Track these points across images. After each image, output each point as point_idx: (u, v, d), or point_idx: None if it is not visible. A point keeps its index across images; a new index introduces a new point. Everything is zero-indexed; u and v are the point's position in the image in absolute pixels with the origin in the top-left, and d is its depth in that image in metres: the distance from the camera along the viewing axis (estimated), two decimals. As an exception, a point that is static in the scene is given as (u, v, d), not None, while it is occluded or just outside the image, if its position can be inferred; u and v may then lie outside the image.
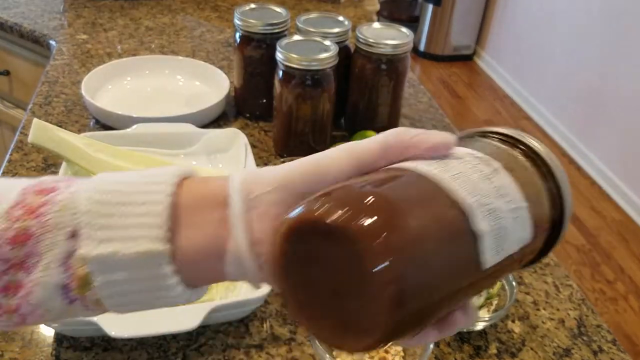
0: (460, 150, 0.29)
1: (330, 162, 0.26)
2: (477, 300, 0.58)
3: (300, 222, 0.23)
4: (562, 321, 0.61)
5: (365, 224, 0.22)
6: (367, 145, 0.27)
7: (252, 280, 0.27)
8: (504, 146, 0.31)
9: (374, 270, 0.22)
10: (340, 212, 0.22)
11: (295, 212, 0.24)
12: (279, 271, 0.25)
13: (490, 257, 0.26)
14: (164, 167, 0.28)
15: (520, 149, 0.31)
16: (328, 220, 0.22)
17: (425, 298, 0.23)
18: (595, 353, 0.58)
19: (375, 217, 0.22)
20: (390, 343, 0.24)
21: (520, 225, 0.27)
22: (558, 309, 0.62)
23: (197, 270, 0.26)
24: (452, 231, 0.25)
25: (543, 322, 0.61)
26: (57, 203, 0.26)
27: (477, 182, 0.27)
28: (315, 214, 0.23)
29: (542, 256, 0.32)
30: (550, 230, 0.31)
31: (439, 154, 0.28)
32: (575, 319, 0.61)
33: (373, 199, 0.23)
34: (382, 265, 0.22)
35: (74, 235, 0.25)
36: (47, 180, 0.28)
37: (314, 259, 0.24)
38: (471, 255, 0.25)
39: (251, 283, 0.28)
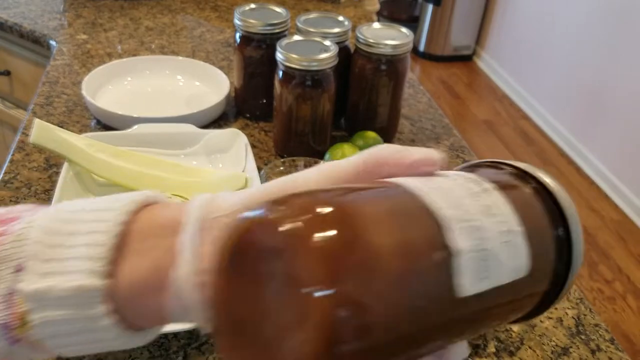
0: (448, 172, 0.26)
1: (302, 183, 0.24)
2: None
3: (241, 230, 0.20)
4: (560, 320, 0.61)
5: (308, 236, 0.18)
6: (344, 164, 0.25)
7: (196, 318, 0.22)
8: (508, 175, 0.27)
9: (307, 295, 0.17)
10: (284, 221, 0.18)
11: (241, 217, 0.20)
12: (216, 284, 0.20)
13: (469, 283, 0.21)
14: (129, 193, 0.25)
15: (530, 183, 0.27)
16: (270, 228, 0.19)
17: (376, 335, 0.18)
18: (593, 352, 0.58)
19: (324, 230, 0.18)
20: None
21: (513, 253, 0.23)
22: (556, 308, 0.63)
23: (138, 308, 0.23)
24: (424, 249, 0.20)
25: (541, 321, 0.61)
26: (12, 233, 0.24)
27: (461, 198, 0.22)
28: (257, 220, 0.19)
29: (542, 310, 0.27)
30: (552, 280, 0.25)
31: (422, 172, 0.25)
32: (573, 318, 0.62)
33: (327, 208, 0.19)
34: (319, 291, 0.17)
35: (19, 269, 0.23)
36: (16, 208, 0.26)
37: (256, 274, 0.19)
38: (445, 278, 0.20)
39: (195, 322, 0.23)
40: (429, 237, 0.21)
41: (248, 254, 0.20)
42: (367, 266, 0.18)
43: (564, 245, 0.25)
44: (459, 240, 0.21)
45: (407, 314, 0.19)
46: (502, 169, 0.28)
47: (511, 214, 0.23)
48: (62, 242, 0.23)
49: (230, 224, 0.21)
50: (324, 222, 0.19)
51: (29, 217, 0.24)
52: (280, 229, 0.18)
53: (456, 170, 0.28)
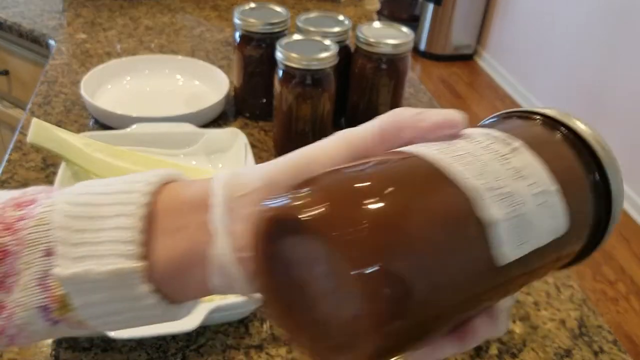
0: (473, 131, 0.25)
1: (321, 153, 0.24)
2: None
3: (273, 219, 0.20)
4: (563, 322, 0.61)
5: (342, 223, 0.19)
6: (361, 131, 0.24)
7: (241, 291, 0.23)
8: (538, 127, 0.26)
9: (354, 277, 0.18)
10: (315, 208, 0.19)
11: (272, 206, 0.21)
12: (259, 272, 0.22)
13: (508, 250, 0.21)
14: (144, 172, 0.25)
15: (562, 131, 0.25)
16: (302, 218, 0.19)
17: (423, 309, 0.19)
18: (596, 354, 0.57)
19: (355, 214, 0.19)
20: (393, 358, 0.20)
21: (550, 213, 0.22)
22: (559, 310, 0.62)
23: (179, 285, 0.24)
24: (456, 224, 0.20)
25: (544, 323, 0.60)
26: (33, 217, 0.24)
27: (488, 163, 0.22)
28: (289, 210, 0.20)
29: (585, 256, 0.27)
30: (594, 228, 0.25)
31: (443, 134, 0.24)
32: (576, 319, 0.61)
33: (354, 191, 0.20)
34: (364, 271, 0.18)
35: (49, 253, 0.23)
36: (29, 191, 0.25)
37: (298, 260, 0.20)
38: (483, 250, 0.21)
39: (242, 294, 0.24)
40: (460, 210, 0.21)
41: (284, 244, 0.20)
42: (405, 244, 0.19)
43: (602, 191, 0.25)
44: (492, 210, 0.21)
45: (452, 286, 0.20)
46: (532, 119, 0.26)
47: (544, 173, 0.23)
48: (89, 227, 0.23)
49: (257, 210, 0.21)
50: (352, 205, 0.19)
51: (46, 200, 0.24)
52: (310, 218, 0.19)
53: (486, 122, 0.27)
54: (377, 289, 0.18)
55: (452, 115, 0.24)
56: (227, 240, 0.22)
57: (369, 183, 0.20)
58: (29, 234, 0.23)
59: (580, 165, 0.25)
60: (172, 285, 0.23)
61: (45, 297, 0.23)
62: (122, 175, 0.25)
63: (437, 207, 0.21)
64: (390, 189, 0.20)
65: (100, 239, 0.23)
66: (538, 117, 0.26)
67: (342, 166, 0.22)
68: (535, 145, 0.24)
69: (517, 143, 0.23)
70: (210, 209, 0.23)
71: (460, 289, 0.20)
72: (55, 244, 0.23)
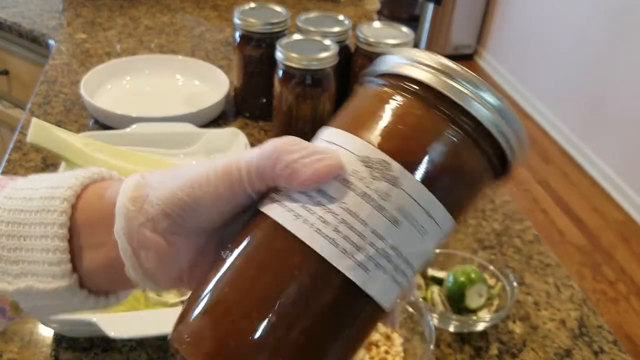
0: (347, 163, 0.23)
1: (206, 195, 0.24)
2: (478, 301, 0.58)
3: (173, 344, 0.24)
4: (563, 322, 0.61)
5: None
6: (243, 168, 0.25)
7: (148, 287, 0.27)
8: (406, 108, 0.23)
9: None
10: (183, 340, 0.23)
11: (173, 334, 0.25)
12: None
13: (386, 300, 0.23)
14: (62, 178, 0.27)
15: (407, 90, 0.24)
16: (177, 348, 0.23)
17: None
18: (596, 354, 0.57)
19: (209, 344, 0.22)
20: None
21: (433, 235, 0.23)
22: (559, 310, 0.62)
23: (107, 285, 0.28)
24: (324, 296, 0.22)
25: (544, 323, 0.60)
26: None
27: (363, 219, 0.22)
28: (174, 343, 0.24)
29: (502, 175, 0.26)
30: (495, 169, 0.24)
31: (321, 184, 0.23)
32: (576, 319, 0.61)
33: (206, 319, 0.23)
34: None
35: None
36: None
37: None
38: (371, 306, 0.22)
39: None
40: (338, 298, 0.22)
41: None
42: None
43: (483, 136, 0.23)
44: (371, 288, 0.22)
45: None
46: (395, 97, 0.24)
47: (425, 196, 0.22)
48: (21, 246, 0.26)
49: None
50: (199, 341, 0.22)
51: None
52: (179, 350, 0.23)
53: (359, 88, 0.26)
54: None
55: (331, 165, 0.23)
56: (135, 270, 0.25)
57: (228, 315, 0.22)
58: None
59: (439, 123, 0.23)
60: (102, 285, 0.27)
61: (2, 305, 0.27)
62: (43, 181, 0.27)
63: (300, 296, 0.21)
64: (245, 313, 0.22)
65: (34, 258, 0.26)
66: (399, 92, 0.24)
67: (209, 285, 0.23)
68: (409, 160, 0.22)
69: (394, 168, 0.22)
70: (116, 237, 0.25)
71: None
72: None
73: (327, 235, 0.22)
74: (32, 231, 0.26)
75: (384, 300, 0.22)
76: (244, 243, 0.23)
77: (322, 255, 0.21)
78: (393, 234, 0.22)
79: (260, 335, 0.21)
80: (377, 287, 0.22)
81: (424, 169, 0.22)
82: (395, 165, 0.22)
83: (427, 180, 0.22)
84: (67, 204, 0.26)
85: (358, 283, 0.21)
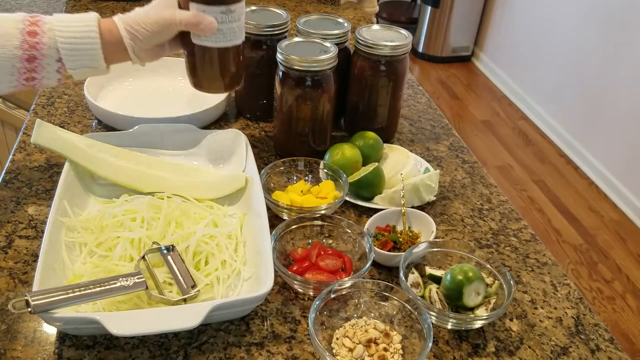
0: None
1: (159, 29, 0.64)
2: (475, 299, 0.59)
3: None
4: (559, 320, 0.62)
5: None
6: (179, 21, 0.63)
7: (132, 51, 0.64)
8: None
9: None
10: None
11: None
12: None
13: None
14: (87, 17, 0.62)
15: None
16: None
17: None
18: (592, 352, 0.58)
19: None
20: None
21: None
22: (556, 308, 0.63)
23: (115, 57, 0.64)
24: None
25: (541, 321, 0.61)
26: (45, 44, 0.58)
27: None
28: None
29: None
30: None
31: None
32: (572, 317, 0.62)
33: None
34: None
35: (59, 60, 0.60)
36: (27, 20, 0.58)
37: None
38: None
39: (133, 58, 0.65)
40: None
41: None
42: None
43: None
44: None
45: None
46: None
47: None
48: (78, 51, 0.60)
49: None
50: None
51: (45, 33, 0.59)
52: None
53: None
54: None
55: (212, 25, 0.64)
56: (130, 48, 0.63)
57: None
58: (46, 50, 0.58)
59: None
60: (111, 58, 0.63)
61: (60, 76, 0.61)
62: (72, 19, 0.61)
63: None
64: None
65: (86, 57, 0.60)
66: None
67: None
68: None
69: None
70: (116, 24, 0.62)
71: None
72: (61, 58, 0.60)
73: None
74: (83, 45, 0.60)
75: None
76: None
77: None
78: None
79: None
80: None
81: None
82: None
83: None
84: (97, 26, 0.61)
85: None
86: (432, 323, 0.56)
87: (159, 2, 0.63)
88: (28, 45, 0.56)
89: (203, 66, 0.67)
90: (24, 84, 0.59)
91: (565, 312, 0.63)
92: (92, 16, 0.61)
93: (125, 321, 0.50)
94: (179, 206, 0.66)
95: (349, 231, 0.66)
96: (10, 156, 0.78)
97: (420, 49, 3.13)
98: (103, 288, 0.52)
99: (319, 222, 0.67)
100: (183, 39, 0.66)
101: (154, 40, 0.63)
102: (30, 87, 0.61)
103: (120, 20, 0.62)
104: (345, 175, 0.73)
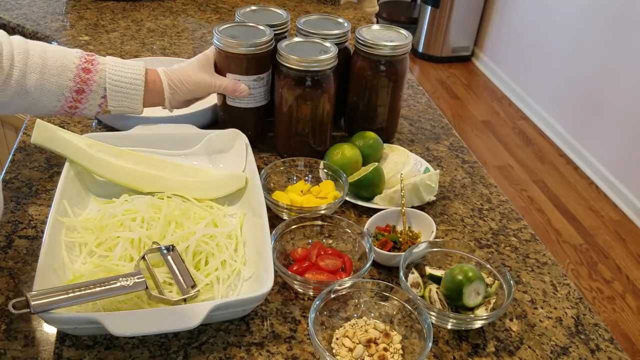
0: None
1: (198, 89, 0.76)
2: (475, 299, 0.59)
3: None
4: (559, 320, 0.62)
5: None
6: (219, 85, 0.76)
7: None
8: None
9: None
10: None
11: None
12: None
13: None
14: (138, 63, 0.70)
15: None
16: None
17: None
18: (592, 352, 0.58)
19: None
20: None
21: None
22: (556, 308, 0.63)
23: (151, 102, 0.73)
24: None
25: (541, 321, 0.61)
26: (95, 82, 0.67)
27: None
28: None
29: None
30: None
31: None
32: (572, 317, 0.62)
33: None
34: None
35: (104, 97, 0.68)
36: (85, 57, 0.67)
37: None
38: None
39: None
40: None
41: None
42: None
43: None
44: None
45: None
46: None
47: None
48: (121, 90, 0.69)
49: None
50: None
51: (97, 73, 0.67)
52: None
53: None
54: None
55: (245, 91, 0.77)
56: (167, 98, 0.74)
57: None
58: (94, 87, 0.67)
59: None
60: (148, 102, 0.72)
61: (99, 110, 0.70)
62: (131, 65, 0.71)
63: None
64: None
65: (128, 98, 0.70)
66: None
67: None
68: None
69: None
70: (160, 77, 0.73)
71: None
72: (106, 95, 0.68)
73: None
74: (128, 88, 0.69)
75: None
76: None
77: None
78: None
79: None
80: None
81: None
82: None
83: None
84: (143, 79, 0.69)
85: None
86: (432, 323, 0.56)
87: (198, 62, 0.75)
88: (80, 79, 0.64)
89: (234, 121, 0.80)
90: (67, 111, 0.67)
91: (565, 312, 0.63)
92: (140, 65, 0.70)
93: (125, 321, 0.50)
94: (179, 206, 0.66)
95: (349, 231, 0.66)
96: (10, 156, 0.78)
97: (420, 49, 3.13)
98: (103, 288, 0.52)
99: (319, 222, 0.67)
100: (219, 98, 0.81)
101: (189, 96, 0.74)
102: (69, 114, 0.69)
103: (165, 75, 0.72)
104: (345, 175, 0.73)
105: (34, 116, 0.87)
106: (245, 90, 0.76)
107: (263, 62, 0.77)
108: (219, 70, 0.78)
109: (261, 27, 0.78)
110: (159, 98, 0.71)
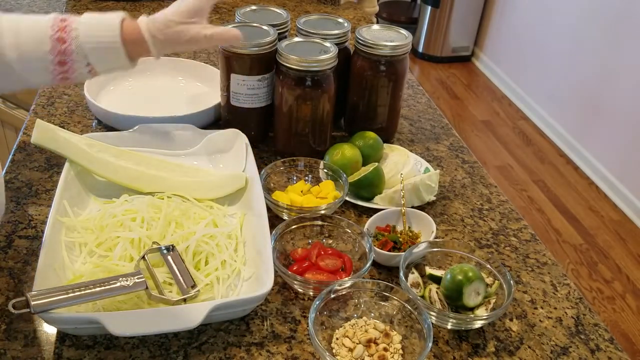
0: None
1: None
2: (475, 299, 0.59)
3: None
4: (559, 320, 0.62)
5: None
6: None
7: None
8: None
9: None
10: None
11: None
12: None
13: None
14: (112, 20, 0.61)
15: None
16: None
17: None
18: (592, 351, 0.58)
19: None
20: None
21: None
22: (555, 308, 0.63)
23: (132, 52, 0.62)
24: None
25: (541, 321, 0.61)
26: (72, 51, 0.59)
27: None
28: None
29: None
30: None
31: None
32: (572, 317, 0.62)
33: None
34: None
35: (88, 64, 0.60)
36: (57, 25, 0.59)
37: None
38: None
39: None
40: None
41: None
42: None
43: None
44: None
45: None
46: None
47: None
48: (101, 52, 0.60)
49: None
50: None
51: (72, 31, 0.59)
52: None
53: None
54: None
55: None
56: (151, 43, 0.63)
57: None
58: (75, 56, 0.59)
59: None
60: (132, 54, 0.62)
61: (92, 75, 0.62)
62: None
63: None
64: None
65: (111, 62, 0.61)
66: None
67: None
68: None
69: None
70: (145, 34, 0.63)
71: None
72: (90, 63, 0.60)
73: None
74: (107, 44, 0.60)
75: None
76: None
77: None
78: None
79: None
80: None
81: None
82: None
83: None
84: (119, 34, 0.60)
85: None
86: (432, 323, 0.56)
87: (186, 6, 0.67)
88: (57, 51, 0.60)
89: (237, 121, 0.80)
90: (60, 81, 0.64)
91: (565, 312, 0.63)
92: (115, 20, 0.61)
93: (125, 321, 0.50)
94: (179, 206, 0.66)
95: (349, 231, 0.66)
96: (10, 156, 0.78)
97: (420, 49, 3.13)
98: (103, 288, 0.52)
99: (319, 222, 0.67)
100: (222, 98, 0.81)
101: (176, 42, 0.65)
102: (65, 84, 0.71)
103: (145, 24, 0.63)
104: (345, 175, 0.73)
105: (33, 116, 0.87)
106: (237, 33, 0.65)
107: (267, 62, 0.77)
108: (222, 70, 0.78)
109: (265, 27, 0.78)
110: (144, 50, 0.64)
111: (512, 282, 0.59)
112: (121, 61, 0.63)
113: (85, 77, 0.64)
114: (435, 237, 0.67)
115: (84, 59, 0.61)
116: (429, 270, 0.63)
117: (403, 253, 0.62)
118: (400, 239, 0.66)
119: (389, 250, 0.65)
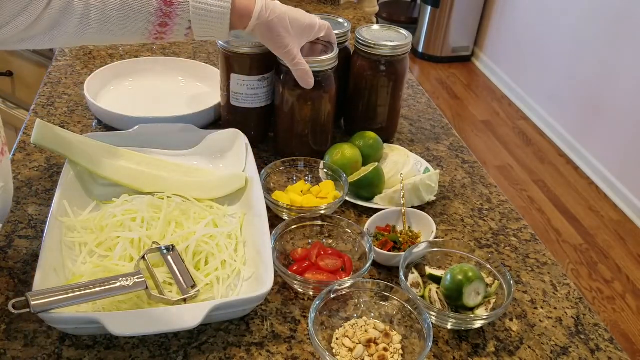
0: None
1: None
2: (475, 299, 0.59)
3: None
4: (559, 320, 0.62)
5: None
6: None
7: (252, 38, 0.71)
8: None
9: None
10: None
11: None
12: None
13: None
14: None
15: None
16: None
17: None
18: (592, 352, 0.58)
19: None
20: None
21: None
22: (556, 308, 0.63)
23: (238, 24, 0.66)
24: None
25: (541, 321, 0.61)
26: (178, 15, 0.63)
27: None
28: None
29: None
30: None
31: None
32: (572, 317, 0.62)
33: None
34: None
35: (189, 28, 0.64)
36: None
37: None
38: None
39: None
40: None
41: None
42: None
43: None
44: None
45: None
46: None
47: None
48: (207, 16, 0.64)
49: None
50: None
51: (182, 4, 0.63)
52: None
53: None
54: None
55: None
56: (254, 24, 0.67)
57: None
58: (179, 19, 0.63)
59: None
60: (236, 24, 0.66)
61: (187, 38, 0.66)
62: None
63: None
64: None
65: (212, 29, 0.65)
66: None
67: None
68: None
69: None
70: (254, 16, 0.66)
71: None
72: (192, 26, 0.64)
73: None
74: (214, 12, 0.64)
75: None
76: None
77: None
78: None
79: None
80: None
81: None
82: None
83: None
84: (229, 11, 0.64)
85: None
86: (432, 323, 0.56)
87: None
88: (162, 13, 0.61)
89: (237, 122, 0.80)
90: (153, 41, 0.66)
91: (565, 312, 0.63)
92: None
93: (125, 321, 0.50)
94: (179, 206, 0.66)
95: (349, 231, 0.66)
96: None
97: (420, 49, 3.13)
98: (103, 288, 0.52)
99: (319, 222, 0.67)
100: (222, 98, 0.81)
101: (266, 42, 0.69)
102: (157, 42, 0.74)
103: (260, 6, 0.66)
104: (345, 175, 0.73)
105: (33, 116, 0.87)
106: (310, 83, 0.72)
107: (267, 62, 0.77)
108: (222, 70, 0.78)
109: None
110: (243, 25, 0.66)
111: (512, 282, 0.59)
112: (222, 30, 0.65)
113: (179, 39, 0.66)
114: (435, 237, 0.67)
115: (186, 23, 0.63)
116: (429, 270, 0.63)
117: (403, 253, 0.62)
118: (400, 239, 0.66)
119: (389, 250, 0.65)
